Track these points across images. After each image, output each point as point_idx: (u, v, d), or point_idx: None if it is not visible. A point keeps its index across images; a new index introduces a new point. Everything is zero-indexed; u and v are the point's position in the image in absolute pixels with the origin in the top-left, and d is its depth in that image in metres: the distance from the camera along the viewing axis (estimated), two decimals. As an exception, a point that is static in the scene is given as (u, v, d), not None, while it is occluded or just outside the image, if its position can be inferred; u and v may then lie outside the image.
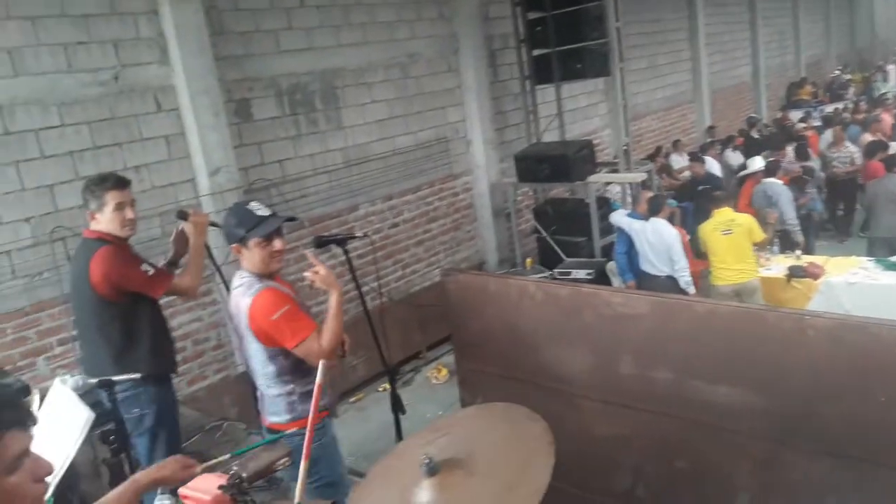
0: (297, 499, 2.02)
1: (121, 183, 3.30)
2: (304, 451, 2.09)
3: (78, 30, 4.79)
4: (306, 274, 2.87)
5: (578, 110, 9.68)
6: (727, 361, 3.24)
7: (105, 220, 3.24)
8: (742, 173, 8.43)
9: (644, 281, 6.23)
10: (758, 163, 8.14)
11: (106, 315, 3.26)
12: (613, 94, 7.93)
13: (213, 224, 3.57)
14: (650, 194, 6.90)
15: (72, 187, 4.79)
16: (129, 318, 3.30)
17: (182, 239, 3.48)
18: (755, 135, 12.01)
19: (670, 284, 6.00)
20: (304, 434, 2.66)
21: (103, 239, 3.25)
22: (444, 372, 6.62)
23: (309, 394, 2.83)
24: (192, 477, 2.02)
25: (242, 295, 2.82)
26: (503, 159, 8.21)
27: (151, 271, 3.27)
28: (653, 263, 6.09)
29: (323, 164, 6.44)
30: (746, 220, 6.13)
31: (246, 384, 3.22)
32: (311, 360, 2.76)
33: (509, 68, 8.47)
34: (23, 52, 4.57)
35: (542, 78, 8.09)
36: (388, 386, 6.13)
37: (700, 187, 8.40)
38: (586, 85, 9.38)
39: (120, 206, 3.25)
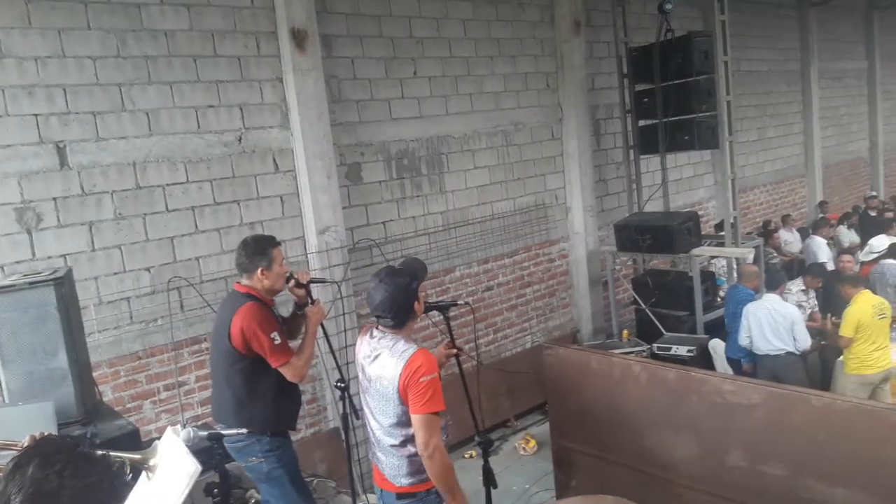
0: None
1: (278, 241, 3.64)
2: None
3: (209, 94, 5.15)
4: None
5: (683, 180, 9.51)
6: (846, 461, 3.03)
7: (273, 276, 3.48)
8: (870, 254, 7.96)
9: (764, 361, 5.99)
10: (882, 242, 7.68)
11: (233, 366, 3.43)
12: (721, 166, 7.74)
13: (317, 281, 3.73)
14: (755, 267, 6.63)
15: (191, 240, 5.09)
16: (254, 373, 3.44)
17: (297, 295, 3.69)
18: (872, 213, 11.40)
19: (793, 360, 5.87)
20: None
21: (251, 294, 3.47)
22: (533, 443, 6.44)
23: None
24: None
25: (392, 357, 2.83)
26: (602, 227, 8.14)
27: (278, 341, 3.37)
28: (769, 342, 5.89)
29: (424, 227, 6.58)
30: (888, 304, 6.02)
31: (338, 441, 3.25)
32: (419, 433, 2.77)
33: (612, 137, 8.46)
34: (159, 114, 4.94)
35: (647, 148, 8.00)
36: (474, 453, 6.09)
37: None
38: (692, 155, 9.22)
39: (282, 262, 3.55)
